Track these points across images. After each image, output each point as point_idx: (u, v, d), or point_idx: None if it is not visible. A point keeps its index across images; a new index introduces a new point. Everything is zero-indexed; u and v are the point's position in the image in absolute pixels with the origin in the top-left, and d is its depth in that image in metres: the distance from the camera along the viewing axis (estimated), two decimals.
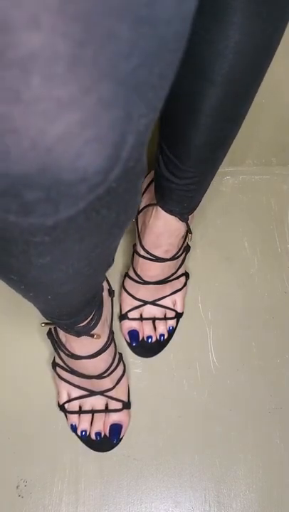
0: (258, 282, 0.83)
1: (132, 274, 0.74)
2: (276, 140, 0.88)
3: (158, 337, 0.76)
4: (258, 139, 0.87)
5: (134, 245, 0.72)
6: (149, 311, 0.76)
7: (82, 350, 0.63)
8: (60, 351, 0.66)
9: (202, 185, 0.61)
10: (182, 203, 0.62)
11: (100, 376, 0.66)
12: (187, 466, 0.70)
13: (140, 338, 0.76)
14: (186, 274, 0.79)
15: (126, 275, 0.77)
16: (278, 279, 0.83)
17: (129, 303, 0.76)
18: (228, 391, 0.74)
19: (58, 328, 0.63)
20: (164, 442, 0.71)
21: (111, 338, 0.66)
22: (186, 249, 0.74)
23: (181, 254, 0.72)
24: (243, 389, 0.74)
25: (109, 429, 0.69)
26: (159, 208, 0.64)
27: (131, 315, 0.76)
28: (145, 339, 0.76)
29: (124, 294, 0.76)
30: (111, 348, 0.67)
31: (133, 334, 0.75)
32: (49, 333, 0.67)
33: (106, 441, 0.69)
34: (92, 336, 0.59)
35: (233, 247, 0.86)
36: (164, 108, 0.55)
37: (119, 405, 0.70)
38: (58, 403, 0.71)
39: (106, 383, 0.68)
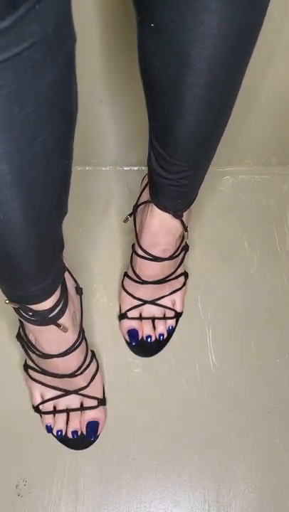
0: (258, 282, 0.83)
1: (130, 273, 0.75)
2: (276, 140, 0.88)
3: (157, 337, 0.76)
4: (257, 138, 0.88)
5: (133, 245, 0.72)
6: (149, 310, 0.76)
7: (53, 349, 0.62)
8: (30, 352, 0.65)
9: (194, 180, 0.61)
10: (175, 198, 0.62)
11: (72, 375, 0.66)
12: (186, 465, 0.70)
13: (140, 338, 0.76)
14: (186, 274, 0.79)
15: (125, 275, 0.77)
16: (278, 278, 0.83)
17: (128, 302, 0.76)
18: (227, 391, 0.74)
19: (27, 329, 0.63)
20: (163, 442, 0.71)
21: (82, 336, 0.66)
22: (184, 248, 0.74)
23: (179, 254, 0.72)
24: (242, 389, 0.75)
25: (86, 427, 0.69)
26: (154, 206, 0.64)
27: (130, 314, 0.76)
28: (144, 339, 0.76)
29: (124, 293, 0.77)
30: (82, 346, 0.66)
31: (132, 334, 0.76)
32: (18, 336, 0.66)
33: (83, 439, 0.70)
34: (58, 325, 0.59)
35: (232, 247, 0.86)
36: (150, 100, 0.55)
37: (94, 403, 0.70)
38: (32, 405, 0.70)
39: (79, 381, 0.68)
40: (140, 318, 0.76)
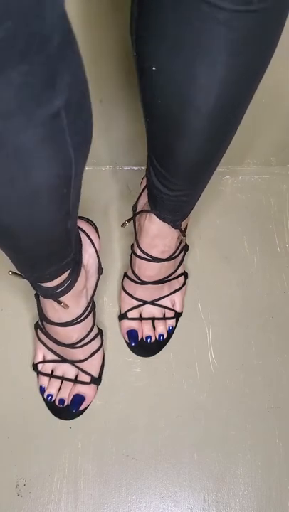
0: (258, 282, 0.83)
1: (130, 274, 0.75)
2: (275, 140, 0.88)
3: (157, 337, 0.76)
4: (257, 138, 0.87)
5: (132, 246, 0.72)
6: (149, 310, 0.76)
7: (54, 316, 0.64)
8: (39, 312, 0.67)
9: (193, 197, 0.62)
10: (174, 211, 0.63)
11: (71, 346, 0.68)
12: (186, 465, 0.70)
13: (139, 338, 0.76)
14: (185, 274, 0.79)
15: (125, 275, 0.77)
16: (278, 278, 0.83)
17: (128, 302, 0.76)
18: (227, 390, 0.74)
19: None
20: (163, 442, 0.71)
21: (87, 313, 0.66)
22: (184, 248, 0.74)
23: (178, 255, 0.72)
24: (242, 388, 0.75)
25: (72, 399, 0.71)
26: (153, 215, 0.65)
27: (130, 315, 0.76)
28: (144, 339, 0.76)
29: (123, 293, 0.77)
30: (86, 322, 0.67)
31: (132, 334, 0.76)
32: (36, 295, 0.68)
33: (66, 410, 0.71)
34: (59, 302, 0.60)
35: (232, 247, 0.86)
36: (150, 126, 0.55)
37: (87, 378, 0.71)
38: (33, 363, 0.73)
39: (77, 354, 0.69)
40: (140, 318, 0.76)
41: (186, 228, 0.73)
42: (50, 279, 0.56)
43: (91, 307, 0.68)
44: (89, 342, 0.69)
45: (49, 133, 0.34)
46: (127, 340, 0.76)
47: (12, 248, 0.49)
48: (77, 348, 0.68)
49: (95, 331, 0.71)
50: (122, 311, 0.77)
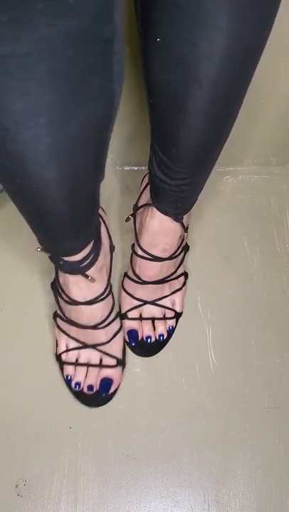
0: (258, 282, 0.83)
1: (130, 274, 0.75)
2: (275, 140, 0.88)
3: (157, 337, 0.76)
4: (257, 138, 0.88)
5: (133, 245, 0.72)
6: (149, 310, 0.76)
7: (79, 295, 0.65)
8: (60, 299, 0.68)
9: (195, 186, 0.62)
10: (176, 203, 0.63)
11: (95, 327, 0.68)
12: (186, 465, 0.70)
13: (139, 338, 0.76)
14: (186, 274, 0.79)
15: (125, 275, 0.77)
16: (278, 278, 0.83)
17: (128, 302, 0.76)
18: (227, 390, 0.74)
19: (60, 274, 0.65)
20: (163, 442, 0.71)
21: (109, 289, 0.68)
22: (184, 248, 0.74)
23: (179, 254, 0.72)
24: (242, 388, 0.75)
25: (100, 384, 0.71)
26: (154, 209, 0.65)
27: (130, 315, 0.76)
28: (144, 339, 0.76)
29: (124, 293, 0.77)
30: (108, 300, 0.69)
31: (132, 334, 0.76)
32: (52, 283, 0.70)
33: (95, 396, 0.72)
34: (86, 276, 0.61)
35: (232, 247, 0.86)
36: (154, 109, 0.55)
37: (113, 362, 0.72)
38: (56, 353, 0.73)
39: (101, 336, 0.70)
40: (140, 318, 0.76)
41: (187, 226, 0.73)
42: (79, 249, 0.58)
43: (110, 286, 0.69)
44: (111, 322, 0.70)
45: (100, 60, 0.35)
46: (127, 340, 0.76)
47: (47, 211, 0.49)
48: (100, 328, 0.69)
49: (115, 311, 0.72)
50: (123, 311, 0.77)
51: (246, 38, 0.43)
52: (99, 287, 0.65)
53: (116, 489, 0.68)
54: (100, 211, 0.70)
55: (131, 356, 0.76)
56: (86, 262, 0.60)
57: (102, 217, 0.69)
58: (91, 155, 0.45)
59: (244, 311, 0.80)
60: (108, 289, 0.68)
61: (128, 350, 0.76)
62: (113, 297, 0.72)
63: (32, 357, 0.75)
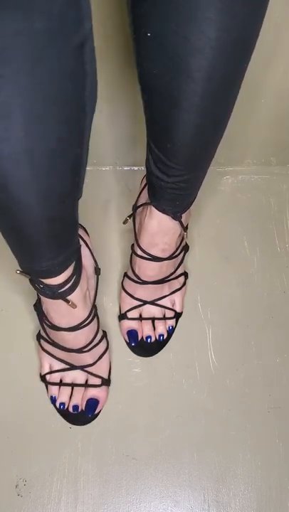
0: (258, 282, 0.83)
1: (130, 274, 0.75)
2: (275, 140, 0.88)
3: (157, 337, 0.76)
4: (257, 138, 0.88)
5: (132, 245, 0.72)
6: (149, 310, 0.76)
7: (62, 322, 0.64)
8: (43, 322, 0.67)
9: (192, 183, 0.61)
10: (174, 201, 0.62)
11: (79, 350, 0.67)
12: (186, 465, 0.70)
13: (139, 338, 0.76)
14: (185, 274, 0.79)
15: (125, 275, 0.77)
16: (278, 278, 0.83)
17: (128, 302, 0.76)
18: (227, 390, 0.74)
19: (41, 298, 0.64)
20: (162, 442, 0.71)
21: (93, 315, 0.67)
22: (184, 248, 0.74)
23: (179, 254, 0.72)
24: (242, 388, 0.75)
25: (86, 404, 0.71)
26: (153, 208, 0.65)
27: (130, 315, 0.76)
28: (144, 339, 0.76)
29: (123, 293, 0.77)
30: (92, 325, 0.67)
31: (132, 334, 0.76)
32: (35, 305, 0.68)
33: (82, 415, 0.71)
34: (67, 301, 0.59)
35: (232, 247, 0.86)
36: (148, 105, 0.55)
37: (98, 381, 0.71)
38: (40, 374, 0.73)
39: (86, 358, 0.69)
40: (140, 318, 0.76)
41: (187, 226, 0.73)
42: (59, 272, 0.56)
43: (95, 309, 0.68)
44: (96, 344, 0.69)
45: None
46: (127, 340, 0.76)
47: (21, 228, 0.48)
48: (85, 352, 0.68)
49: (100, 333, 0.71)
50: (122, 311, 0.77)
51: (236, 31, 0.43)
52: (82, 313, 0.64)
53: (116, 489, 0.68)
54: (82, 232, 0.70)
55: (131, 356, 0.76)
56: (67, 286, 0.58)
57: (84, 239, 0.68)
58: (68, 170, 0.44)
59: (244, 311, 0.80)
60: (92, 315, 0.66)
61: (128, 351, 0.76)
62: (98, 319, 0.70)
63: (32, 357, 0.75)
